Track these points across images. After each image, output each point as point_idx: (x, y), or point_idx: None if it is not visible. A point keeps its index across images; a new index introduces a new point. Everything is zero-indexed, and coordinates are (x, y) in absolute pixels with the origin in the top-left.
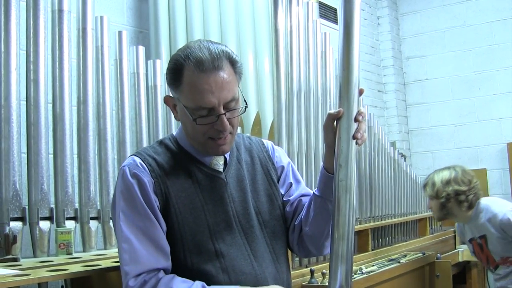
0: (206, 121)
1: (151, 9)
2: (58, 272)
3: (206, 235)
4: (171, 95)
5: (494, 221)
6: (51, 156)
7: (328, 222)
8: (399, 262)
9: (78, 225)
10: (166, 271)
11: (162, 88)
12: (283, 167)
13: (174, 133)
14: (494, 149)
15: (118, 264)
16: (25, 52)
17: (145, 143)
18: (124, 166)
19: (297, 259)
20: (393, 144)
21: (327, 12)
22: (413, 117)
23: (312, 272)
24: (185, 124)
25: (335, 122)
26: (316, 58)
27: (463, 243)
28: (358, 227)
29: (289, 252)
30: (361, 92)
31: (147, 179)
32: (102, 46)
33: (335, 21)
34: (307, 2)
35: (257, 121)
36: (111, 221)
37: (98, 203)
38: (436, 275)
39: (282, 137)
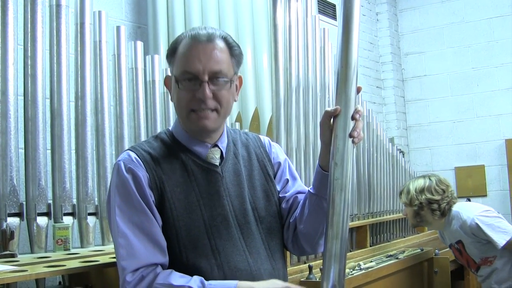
0: (188, 86)
1: (149, 4)
2: (55, 268)
3: (202, 230)
4: (169, 74)
5: (465, 227)
6: (48, 152)
7: (323, 220)
8: (397, 258)
9: (75, 220)
10: (163, 267)
11: (161, 84)
12: (279, 163)
13: (170, 127)
14: (492, 146)
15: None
16: (22, 47)
17: (143, 139)
18: (119, 160)
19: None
20: (391, 140)
21: (326, 8)
22: (411, 113)
23: (310, 268)
24: (173, 98)
25: (332, 120)
26: (315, 54)
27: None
28: (356, 223)
29: None
30: (358, 90)
31: (142, 174)
32: (100, 41)
33: (334, 17)
34: None
35: (256, 117)
36: None
37: (96, 198)
38: (434, 271)
39: (280, 132)
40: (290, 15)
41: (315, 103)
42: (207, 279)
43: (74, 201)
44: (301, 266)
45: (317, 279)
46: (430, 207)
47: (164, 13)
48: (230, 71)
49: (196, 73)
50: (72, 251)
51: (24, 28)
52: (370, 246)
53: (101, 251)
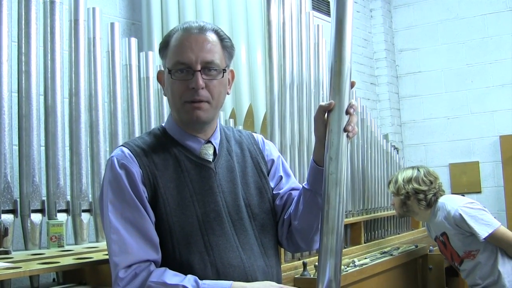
0: (181, 76)
1: (143, 1)
2: (49, 265)
3: (195, 226)
4: (162, 69)
5: (449, 218)
6: (42, 148)
7: (318, 216)
8: (391, 255)
9: (70, 217)
10: (156, 264)
11: (155, 80)
12: (273, 160)
13: (164, 123)
14: (486, 142)
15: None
16: (16, 43)
17: (137, 135)
18: (112, 156)
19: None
20: (385, 136)
21: (320, 4)
22: (405, 109)
23: (304, 264)
24: (166, 92)
25: (326, 114)
26: (309, 50)
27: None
28: (351, 219)
29: None
30: (352, 84)
31: (136, 170)
32: (94, 37)
33: (328, 13)
34: None
35: (250, 113)
36: None
37: (90, 195)
38: (428, 268)
39: (274, 129)
40: (284, 12)
41: (309, 100)
42: (200, 276)
43: (68, 198)
44: (295, 262)
45: (312, 276)
46: (416, 197)
47: (158, 10)
48: (222, 63)
49: (189, 63)
50: (66, 248)
51: (18, 24)
52: (365, 242)
53: (95, 248)
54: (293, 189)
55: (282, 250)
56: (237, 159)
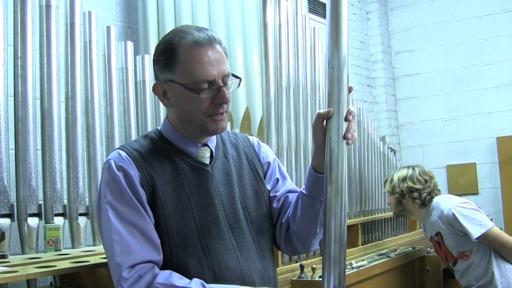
0: (209, 94)
1: (139, 4)
2: (46, 269)
3: (193, 229)
4: (160, 80)
5: (443, 218)
6: (39, 152)
7: (316, 220)
8: (389, 257)
9: (66, 221)
10: (158, 265)
11: (151, 83)
12: (269, 163)
13: (159, 127)
14: (483, 143)
15: (107, 260)
16: (12, 47)
17: (134, 138)
18: (109, 159)
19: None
20: (382, 138)
21: (316, 7)
22: (402, 111)
23: (302, 267)
24: (181, 107)
25: (325, 122)
26: (305, 53)
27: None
28: (348, 222)
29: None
30: (350, 89)
31: (134, 172)
32: (90, 41)
33: (324, 16)
34: None
35: (247, 116)
36: None
37: (87, 199)
38: (426, 269)
39: (271, 132)
40: (280, 14)
41: (306, 102)
42: (197, 276)
43: (65, 201)
44: (292, 265)
45: (309, 278)
46: (411, 196)
47: (154, 13)
48: (229, 72)
49: (213, 79)
50: (63, 251)
51: (14, 28)
52: (362, 244)
53: (92, 252)
54: (289, 191)
55: (279, 252)
56: (233, 162)
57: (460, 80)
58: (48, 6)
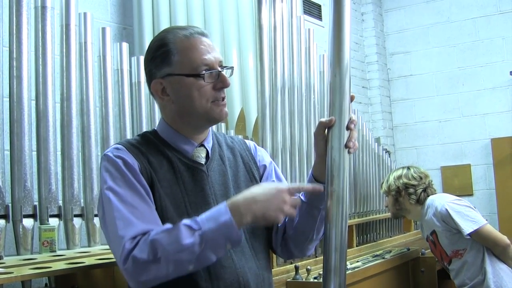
0: (211, 79)
1: (135, 6)
2: (42, 270)
3: None
4: (158, 77)
5: (437, 214)
6: (34, 153)
7: (313, 227)
8: (383, 258)
9: (61, 222)
10: None
11: (146, 85)
12: (265, 166)
13: (155, 128)
14: (478, 145)
15: (102, 261)
16: (8, 48)
17: None
18: (107, 152)
19: None
20: (377, 140)
21: (311, 8)
22: (397, 113)
23: (296, 268)
24: (184, 98)
25: (326, 130)
26: (300, 54)
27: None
28: None
29: None
30: (352, 98)
31: (132, 161)
32: (85, 42)
33: (319, 17)
34: None
35: (242, 117)
36: (95, 218)
37: (82, 200)
38: (421, 271)
39: (266, 133)
40: (275, 16)
41: (300, 103)
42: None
43: (60, 202)
44: (287, 266)
45: (303, 280)
46: (407, 192)
47: (149, 14)
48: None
49: (211, 64)
50: (58, 252)
51: (9, 29)
52: (357, 246)
53: (87, 253)
54: None
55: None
56: (229, 164)
57: (455, 81)
58: (43, 7)
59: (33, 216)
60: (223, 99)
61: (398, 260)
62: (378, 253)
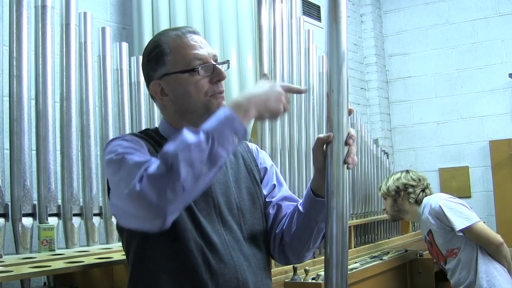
0: (206, 73)
1: (134, 6)
2: (41, 269)
3: (188, 220)
4: (155, 79)
5: (432, 212)
6: (34, 153)
7: (310, 237)
8: (381, 259)
9: (61, 221)
10: None
11: (145, 84)
12: (266, 168)
13: (157, 126)
14: (476, 147)
15: (101, 261)
16: (8, 48)
17: None
18: (112, 138)
19: None
20: (375, 141)
21: (310, 10)
22: (395, 114)
23: (295, 269)
24: (182, 95)
25: (325, 146)
26: (299, 55)
27: None
28: None
29: None
30: (350, 112)
31: (142, 143)
32: (85, 42)
33: (318, 18)
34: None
35: None
36: (94, 217)
37: (81, 199)
38: (418, 272)
39: (265, 133)
40: (275, 17)
41: (300, 104)
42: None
43: (59, 202)
44: (285, 267)
45: (302, 280)
46: (406, 192)
47: (149, 14)
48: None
49: (205, 58)
50: (57, 251)
51: (9, 28)
52: (355, 247)
53: (86, 252)
54: (285, 197)
55: None
56: (230, 165)
57: (453, 83)
58: (43, 6)
59: (32, 215)
60: (221, 92)
61: (396, 262)
62: (376, 254)
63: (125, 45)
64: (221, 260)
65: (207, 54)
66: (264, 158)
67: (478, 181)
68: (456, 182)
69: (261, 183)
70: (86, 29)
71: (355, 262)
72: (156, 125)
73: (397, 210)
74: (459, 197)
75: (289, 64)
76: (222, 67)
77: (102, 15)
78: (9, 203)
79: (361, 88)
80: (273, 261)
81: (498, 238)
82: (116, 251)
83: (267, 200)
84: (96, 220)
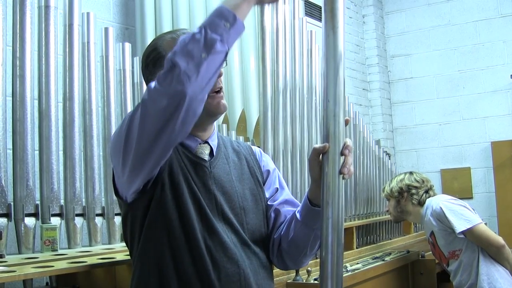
0: None
1: (137, 6)
2: (43, 269)
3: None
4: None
5: (433, 214)
6: (36, 152)
7: (307, 244)
8: (383, 260)
9: (63, 221)
10: None
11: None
12: (269, 171)
13: None
14: (478, 148)
15: (104, 261)
16: (11, 47)
17: None
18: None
19: None
20: (377, 142)
21: (313, 10)
22: (397, 115)
23: (297, 270)
24: None
25: (321, 156)
26: (302, 56)
27: None
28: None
29: None
30: (346, 122)
31: None
32: (88, 42)
33: (320, 19)
34: (293, 0)
35: (243, 119)
36: (96, 218)
37: (84, 199)
38: (420, 273)
39: (267, 134)
40: (278, 18)
41: (302, 105)
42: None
43: (62, 202)
44: None
45: (304, 281)
46: (409, 193)
47: (151, 15)
48: None
49: None
50: (60, 252)
51: (13, 29)
52: (357, 248)
53: (89, 252)
54: (286, 201)
55: None
56: (234, 166)
57: (455, 84)
58: (47, 6)
59: (35, 215)
60: (218, 91)
61: (398, 263)
62: (378, 255)
63: (128, 46)
64: (224, 254)
65: None
66: (267, 161)
67: (479, 182)
68: (457, 183)
69: (264, 185)
70: (89, 30)
71: (357, 263)
72: None
73: (400, 211)
74: (460, 198)
75: (292, 65)
76: None
77: (105, 15)
78: (12, 203)
79: (363, 89)
80: None
81: (500, 240)
82: (118, 251)
83: (268, 203)
84: (98, 220)
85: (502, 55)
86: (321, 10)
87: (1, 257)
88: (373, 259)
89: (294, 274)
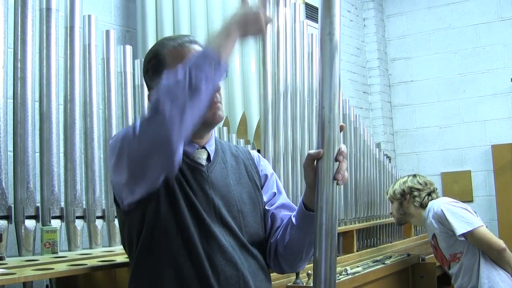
0: None
1: (138, 9)
2: (44, 271)
3: (188, 218)
4: (153, 88)
5: (435, 216)
6: (37, 155)
7: (302, 249)
8: (384, 263)
9: (63, 224)
10: None
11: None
12: (266, 176)
13: None
14: (478, 151)
15: (104, 263)
16: (12, 50)
17: None
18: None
19: None
20: (378, 145)
21: (313, 14)
22: (398, 118)
23: (297, 272)
24: None
25: (315, 162)
26: (302, 59)
27: None
28: (343, 228)
29: None
30: (341, 129)
31: None
32: (89, 45)
33: None
34: (294, 3)
35: (243, 121)
36: (96, 220)
37: (84, 202)
38: (420, 276)
39: (268, 137)
40: (278, 20)
41: (303, 108)
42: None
43: (62, 204)
44: None
45: (304, 284)
46: (412, 195)
47: (152, 17)
48: None
49: None
50: (60, 254)
51: (14, 31)
52: (357, 251)
53: (89, 255)
54: (283, 205)
55: None
56: (232, 170)
57: (456, 87)
58: (48, 9)
59: (35, 217)
60: (216, 102)
61: (398, 266)
62: (378, 258)
63: (129, 48)
64: (223, 258)
65: None
66: (265, 165)
67: (480, 186)
68: (458, 186)
69: (261, 189)
70: (90, 32)
71: (358, 266)
72: None
73: (402, 214)
74: (461, 201)
75: (293, 68)
76: None
77: (106, 18)
78: (12, 205)
79: (364, 92)
80: None
81: (501, 243)
82: (119, 254)
83: (266, 207)
84: (99, 222)
85: (503, 59)
86: None
87: (1, 259)
88: (373, 262)
89: (294, 277)
